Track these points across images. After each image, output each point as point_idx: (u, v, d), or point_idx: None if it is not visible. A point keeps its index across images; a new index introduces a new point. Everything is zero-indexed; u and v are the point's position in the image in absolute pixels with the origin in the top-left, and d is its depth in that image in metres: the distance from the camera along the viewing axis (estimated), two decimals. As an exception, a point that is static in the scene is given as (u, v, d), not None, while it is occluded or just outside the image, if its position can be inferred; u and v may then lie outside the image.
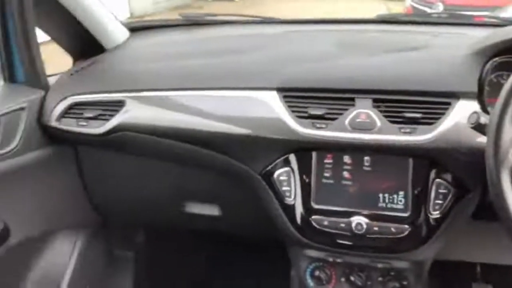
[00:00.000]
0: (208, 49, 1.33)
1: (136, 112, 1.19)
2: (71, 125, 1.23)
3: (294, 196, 1.09)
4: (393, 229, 1.04)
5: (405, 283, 1.12)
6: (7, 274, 1.25)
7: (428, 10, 5.27)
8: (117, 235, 1.66)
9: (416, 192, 1.03)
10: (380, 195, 1.05)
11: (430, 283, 1.19)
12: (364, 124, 1.03)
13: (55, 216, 1.37)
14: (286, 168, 1.09)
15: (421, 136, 1.01)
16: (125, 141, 1.21)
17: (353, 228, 1.05)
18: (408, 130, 1.01)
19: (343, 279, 1.15)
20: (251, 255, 1.79)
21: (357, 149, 1.05)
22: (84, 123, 1.22)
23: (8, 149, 1.17)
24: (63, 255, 1.44)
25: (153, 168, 1.30)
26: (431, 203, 1.03)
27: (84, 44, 1.38)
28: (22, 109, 1.21)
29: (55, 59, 1.50)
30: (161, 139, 1.17)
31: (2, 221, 1.17)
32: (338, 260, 1.13)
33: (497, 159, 0.82)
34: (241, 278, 1.83)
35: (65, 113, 1.24)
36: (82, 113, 1.23)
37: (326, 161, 1.07)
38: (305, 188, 1.08)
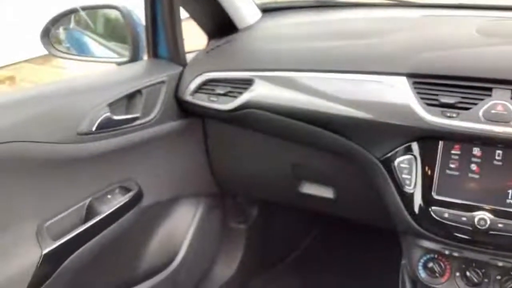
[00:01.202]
0: (338, 31, 1.34)
1: (263, 91, 1.23)
2: (203, 100, 1.31)
3: (414, 184, 1.07)
4: None
5: None
6: (136, 233, 1.37)
7: None
8: (232, 207, 1.73)
9: None
10: (510, 191, 1.00)
11: None
12: (500, 116, 0.98)
13: (181, 183, 1.47)
14: (408, 156, 1.07)
15: None
16: (250, 118, 1.26)
17: (476, 223, 1.01)
18: None
19: (458, 274, 1.11)
20: (362, 240, 1.78)
21: (489, 142, 1.00)
22: (215, 99, 1.30)
23: (148, 119, 1.28)
24: (185, 220, 1.54)
25: (274, 145, 1.35)
26: None
27: (219, 24, 1.46)
28: (162, 82, 1.31)
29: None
30: (285, 119, 1.21)
31: (137, 184, 1.29)
32: (455, 254, 1.10)
33: None
34: (349, 262, 1.84)
35: (199, 89, 1.32)
36: (214, 89, 1.30)
37: (453, 151, 1.04)
38: (427, 178, 1.05)
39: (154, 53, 1.41)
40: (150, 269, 1.46)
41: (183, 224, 1.54)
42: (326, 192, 1.36)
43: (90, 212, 1.19)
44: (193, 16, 1.45)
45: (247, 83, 1.26)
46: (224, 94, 1.29)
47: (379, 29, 1.29)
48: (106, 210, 1.19)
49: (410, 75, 1.08)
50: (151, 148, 1.33)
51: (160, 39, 1.38)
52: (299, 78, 1.20)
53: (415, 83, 1.07)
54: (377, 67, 1.14)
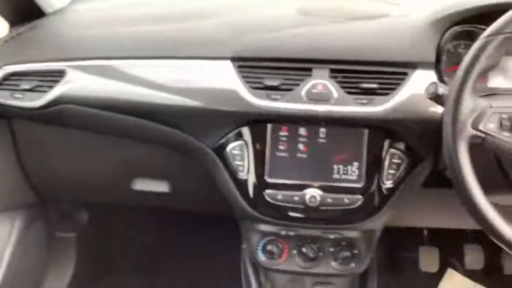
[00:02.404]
0: (158, 14, 1.26)
1: (78, 83, 1.11)
2: (5, 98, 1.14)
3: (247, 170, 1.07)
4: (346, 200, 1.05)
5: (356, 252, 1.13)
6: None
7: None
8: (58, 216, 1.59)
9: (370, 162, 1.04)
10: (335, 166, 1.05)
11: (378, 249, 1.21)
12: (320, 95, 1.02)
13: None
14: (239, 142, 1.06)
15: (377, 107, 1.01)
16: (66, 114, 1.13)
17: (307, 201, 1.04)
18: (364, 101, 1.01)
19: (295, 252, 1.15)
20: (202, 230, 1.77)
21: (312, 121, 1.04)
22: (20, 96, 1.14)
23: None
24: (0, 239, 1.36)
25: (97, 143, 1.24)
26: (385, 173, 1.04)
27: (22, 8, 1.27)
28: None
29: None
30: (106, 112, 1.11)
31: None
32: (291, 233, 1.13)
33: (455, 130, 0.82)
34: (192, 253, 1.81)
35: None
36: (18, 85, 1.14)
37: (281, 133, 1.05)
38: (259, 162, 1.06)
39: None
40: None
41: None
42: (161, 187, 1.30)
43: None
44: None
45: (58, 75, 1.13)
46: (31, 90, 1.13)
47: (201, 12, 1.24)
48: None
49: (234, 59, 1.07)
50: None
51: None
52: (117, 67, 1.11)
53: (239, 66, 1.06)
54: (201, 52, 1.10)
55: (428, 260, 1.67)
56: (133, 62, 1.11)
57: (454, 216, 1.25)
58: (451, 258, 1.69)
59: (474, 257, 1.63)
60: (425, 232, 1.68)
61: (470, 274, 1.64)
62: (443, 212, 1.29)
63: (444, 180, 1.01)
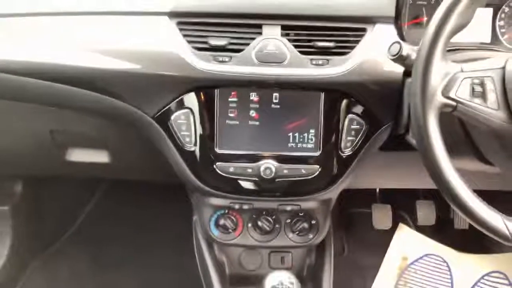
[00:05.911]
0: None
1: None
2: None
3: (194, 141, 0.97)
4: (303, 171, 0.98)
5: (313, 222, 1.10)
6: None
7: None
8: None
9: (327, 129, 0.97)
10: (290, 134, 0.97)
11: (333, 211, 1.17)
12: (273, 56, 0.92)
13: None
14: (185, 110, 0.96)
15: (335, 68, 0.93)
16: None
17: (261, 173, 0.97)
18: (320, 62, 0.93)
19: (250, 225, 1.10)
20: (152, 196, 1.69)
21: (265, 85, 0.94)
22: None
23: None
24: None
25: (23, 112, 1.11)
26: (343, 140, 0.98)
27: None
28: None
29: None
30: (28, 79, 0.97)
31: None
32: (245, 207, 1.07)
33: (424, 99, 0.75)
34: (140, 219, 1.74)
35: None
36: None
37: (230, 99, 0.95)
38: (207, 132, 0.97)
39: None
40: None
41: None
42: (100, 157, 1.20)
43: None
44: None
45: None
46: None
47: None
48: None
49: (172, 14, 0.95)
50: None
51: None
52: (40, 24, 0.97)
53: (180, 23, 0.94)
54: (135, 6, 0.96)
55: (381, 217, 1.67)
56: (58, 19, 0.97)
57: (408, 177, 1.23)
58: (403, 215, 1.70)
59: (426, 212, 1.64)
60: (377, 190, 1.67)
61: (422, 230, 1.65)
62: (397, 173, 1.25)
63: (400, 143, 0.97)
